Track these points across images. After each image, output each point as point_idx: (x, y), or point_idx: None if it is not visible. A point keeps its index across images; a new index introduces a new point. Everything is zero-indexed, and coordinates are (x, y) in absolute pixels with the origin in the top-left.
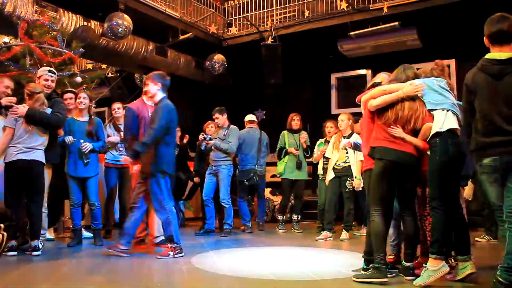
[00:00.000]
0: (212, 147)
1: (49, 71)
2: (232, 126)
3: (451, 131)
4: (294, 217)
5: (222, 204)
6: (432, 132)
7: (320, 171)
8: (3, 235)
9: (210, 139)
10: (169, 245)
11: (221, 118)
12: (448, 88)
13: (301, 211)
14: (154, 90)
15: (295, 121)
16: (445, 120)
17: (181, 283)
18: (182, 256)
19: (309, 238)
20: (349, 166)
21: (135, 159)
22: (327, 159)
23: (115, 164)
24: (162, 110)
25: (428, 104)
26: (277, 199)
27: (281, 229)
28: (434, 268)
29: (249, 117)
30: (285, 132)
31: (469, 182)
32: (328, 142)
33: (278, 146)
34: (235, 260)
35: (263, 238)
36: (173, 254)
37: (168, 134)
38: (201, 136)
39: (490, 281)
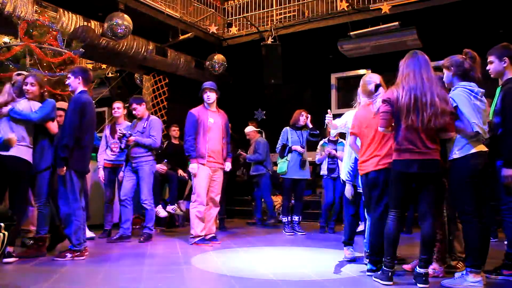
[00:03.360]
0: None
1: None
2: (152, 117)
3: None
4: (295, 218)
5: (144, 205)
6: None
7: (324, 171)
8: (4, 234)
9: (131, 135)
10: (69, 246)
11: (140, 109)
12: (480, 94)
13: (302, 211)
14: (75, 84)
15: (303, 117)
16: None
17: (181, 283)
18: (83, 259)
19: (310, 238)
20: None
21: (63, 165)
22: (333, 158)
23: (109, 163)
24: (73, 105)
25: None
26: (277, 199)
27: (288, 232)
28: (472, 280)
29: (254, 127)
30: (287, 128)
31: None
32: (331, 142)
33: (279, 143)
34: (235, 260)
35: (264, 238)
36: (72, 257)
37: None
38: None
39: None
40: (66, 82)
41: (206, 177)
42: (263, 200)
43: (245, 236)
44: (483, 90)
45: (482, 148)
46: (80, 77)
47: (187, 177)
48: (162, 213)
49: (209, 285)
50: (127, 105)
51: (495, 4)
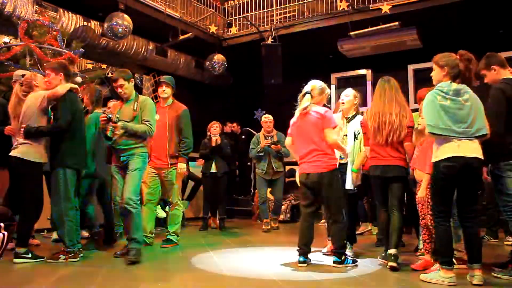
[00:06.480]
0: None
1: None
2: (142, 97)
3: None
4: None
5: (127, 207)
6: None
7: None
8: (3, 234)
9: (118, 120)
10: (62, 248)
11: (128, 86)
12: (451, 93)
13: None
14: (57, 82)
15: None
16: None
17: (181, 283)
18: (77, 261)
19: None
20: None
21: (30, 135)
22: None
23: None
24: (69, 104)
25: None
26: None
27: None
28: (444, 276)
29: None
30: None
31: None
32: None
33: None
34: (235, 260)
35: (264, 238)
36: (65, 258)
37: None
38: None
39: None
40: (45, 79)
41: (145, 176)
42: (267, 199)
43: (245, 236)
44: (459, 88)
45: (455, 152)
46: (61, 73)
47: (186, 174)
48: (160, 213)
49: (209, 285)
50: (112, 84)
51: (495, 4)
